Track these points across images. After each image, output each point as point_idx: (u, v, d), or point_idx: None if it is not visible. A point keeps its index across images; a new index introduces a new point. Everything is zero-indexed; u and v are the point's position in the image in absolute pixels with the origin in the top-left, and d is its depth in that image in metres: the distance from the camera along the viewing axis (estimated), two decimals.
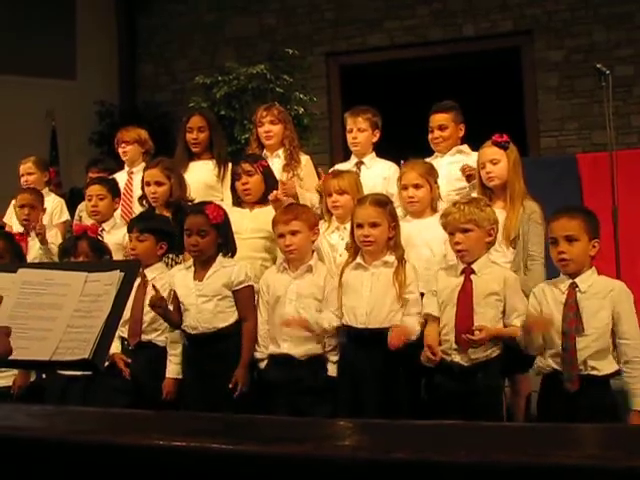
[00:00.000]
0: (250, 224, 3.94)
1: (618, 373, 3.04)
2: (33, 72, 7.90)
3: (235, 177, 4.12)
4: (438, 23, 8.12)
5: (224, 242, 3.67)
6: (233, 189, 4.18)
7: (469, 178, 4.00)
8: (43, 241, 4.49)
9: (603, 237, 3.21)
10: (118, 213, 4.66)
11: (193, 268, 3.67)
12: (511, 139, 3.83)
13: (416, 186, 3.78)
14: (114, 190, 4.57)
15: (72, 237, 4.15)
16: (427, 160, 4.11)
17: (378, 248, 3.43)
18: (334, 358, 3.49)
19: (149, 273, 3.77)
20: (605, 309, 3.01)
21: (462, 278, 3.27)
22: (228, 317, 3.59)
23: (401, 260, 3.43)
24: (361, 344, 3.38)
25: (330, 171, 4.28)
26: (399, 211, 3.80)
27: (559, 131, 7.69)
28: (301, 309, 3.48)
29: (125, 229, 4.31)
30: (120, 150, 5.09)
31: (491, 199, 3.73)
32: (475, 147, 4.10)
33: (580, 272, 3.08)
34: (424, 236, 3.68)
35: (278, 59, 7.21)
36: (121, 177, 4.97)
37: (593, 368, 2.98)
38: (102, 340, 1.85)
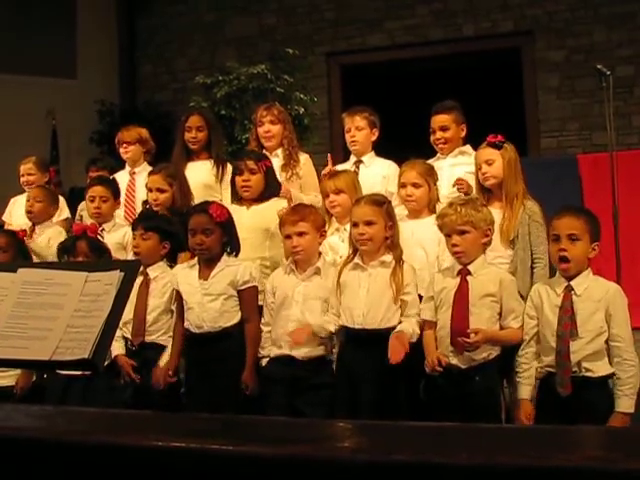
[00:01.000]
0: (247, 221, 3.93)
1: (613, 375, 3.04)
2: (34, 71, 7.90)
3: (236, 172, 4.12)
4: (438, 23, 8.12)
5: (229, 240, 3.68)
6: (233, 183, 4.18)
7: (464, 193, 3.95)
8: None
9: (603, 237, 3.20)
10: (118, 213, 4.66)
11: (197, 267, 3.68)
12: (511, 139, 3.83)
13: (415, 185, 3.78)
14: (116, 192, 4.58)
15: (71, 237, 4.15)
16: (429, 161, 4.11)
17: (374, 247, 3.42)
18: (333, 357, 3.49)
19: (151, 272, 3.78)
20: (600, 311, 3.01)
21: (458, 279, 3.26)
22: (232, 317, 3.59)
23: (399, 261, 3.42)
24: (358, 345, 3.38)
25: (324, 172, 4.27)
26: (399, 211, 3.80)
27: (560, 131, 7.69)
28: (307, 311, 3.47)
29: (125, 229, 4.33)
30: (122, 150, 5.08)
31: (489, 200, 3.73)
32: (475, 148, 4.10)
33: (576, 274, 3.08)
34: (418, 236, 3.68)
35: (278, 59, 7.21)
36: (122, 177, 4.96)
37: (587, 370, 2.98)
38: (102, 340, 1.85)
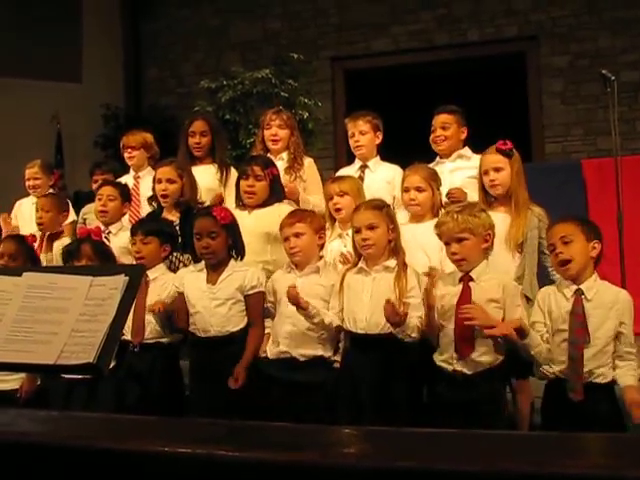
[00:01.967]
0: (249, 226, 3.93)
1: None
2: (38, 75, 7.91)
3: (242, 176, 4.12)
4: (443, 28, 8.12)
5: (234, 243, 3.69)
6: (237, 186, 4.18)
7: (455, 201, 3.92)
8: None
9: (608, 242, 3.21)
10: (126, 218, 4.66)
11: (205, 271, 3.68)
12: (515, 145, 3.82)
13: (418, 189, 3.79)
14: (125, 194, 4.58)
15: (75, 240, 4.15)
16: (429, 166, 4.12)
17: (378, 251, 3.42)
18: (337, 359, 3.49)
19: (151, 274, 3.79)
20: (611, 319, 3.01)
21: (461, 286, 3.25)
22: (239, 321, 3.61)
23: (403, 265, 3.42)
24: (361, 349, 3.38)
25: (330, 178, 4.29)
26: (403, 216, 3.80)
27: (564, 137, 7.68)
28: (308, 317, 3.47)
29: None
30: (126, 155, 5.08)
31: (492, 204, 3.72)
32: (479, 153, 4.09)
33: (581, 276, 3.07)
34: (420, 241, 3.67)
35: (283, 63, 7.21)
36: (127, 181, 4.96)
37: (597, 376, 2.98)
38: (107, 344, 1.85)
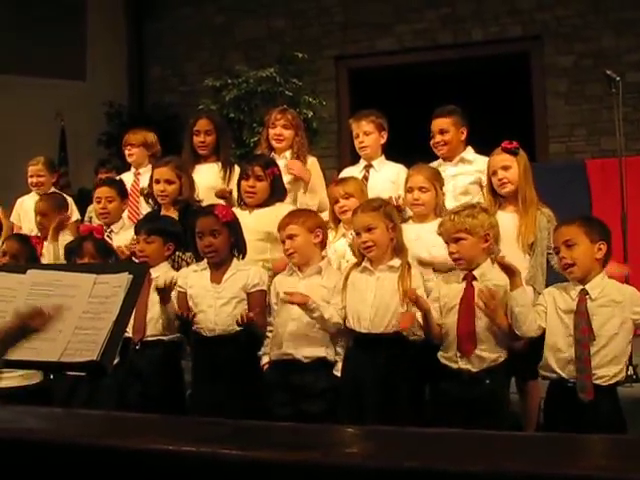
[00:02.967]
0: (250, 225, 3.93)
1: (625, 381, 3.03)
2: (42, 73, 7.91)
3: (243, 176, 4.12)
4: (447, 27, 8.11)
5: (236, 241, 3.69)
6: (239, 186, 4.18)
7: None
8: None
9: (612, 242, 3.19)
10: (126, 214, 4.66)
11: (208, 270, 3.69)
12: (519, 145, 3.83)
13: (422, 189, 3.79)
14: (122, 192, 4.58)
15: (78, 238, 4.16)
16: (432, 165, 4.12)
17: (380, 251, 3.43)
18: (340, 357, 3.49)
19: (154, 272, 3.78)
20: (616, 317, 3.00)
21: (464, 284, 3.26)
22: None
23: (406, 265, 3.43)
24: (365, 349, 3.38)
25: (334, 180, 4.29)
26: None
27: (568, 137, 7.66)
28: (308, 310, 3.48)
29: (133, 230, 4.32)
30: (126, 152, 5.10)
31: (501, 204, 3.73)
32: (484, 152, 4.09)
33: (588, 277, 3.07)
34: (424, 240, 3.67)
35: (287, 62, 7.21)
36: (127, 178, 4.98)
37: (600, 377, 2.97)
38: (110, 342, 1.86)
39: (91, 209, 4.88)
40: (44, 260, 4.36)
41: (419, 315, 3.29)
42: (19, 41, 7.84)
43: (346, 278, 3.50)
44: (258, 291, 3.64)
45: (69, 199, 5.37)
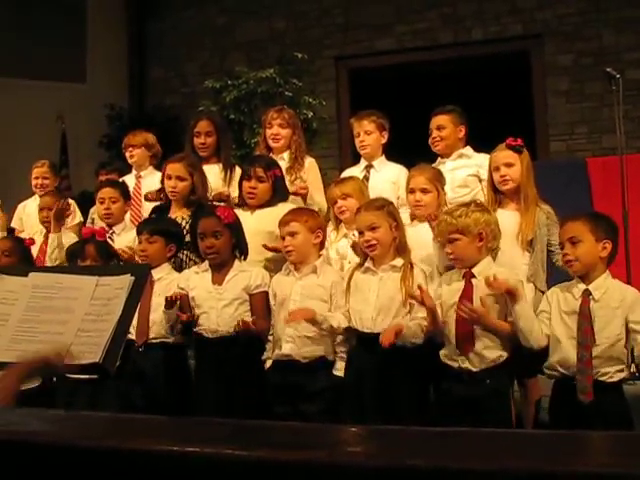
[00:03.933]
0: (252, 225, 3.94)
1: (629, 379, 3.03)
2: (43, 75, 7.92)
3: (245, 177, 4.12)
4: (447, 27, 8.10)
5: (237, 242, 3.69)
6: (240, 186, 4.18)
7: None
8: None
9: (618, 241, 3.19)
10: (128, 216, 4.67)
11: (210, 271, 3.68)
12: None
13: (423, 190, 3.79)
14: (125, 193, 4.59)
15: (80, 240, 4.17)
16: (433, 166, 4.13)
17: (383, 250, 3.43)
18: (343, 357, 3.48)
19: (156, 273, 3.79)
20: (618, 318, 3.00)
21: (463, 283, 3.26)
22: None
23: (409, 264, 3.42)
24: (367, 348, 3.37)
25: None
26: (405, 217, 3.80)
27: (569, 135, 7.66)
28: (316, 324, 3.47)
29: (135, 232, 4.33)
30: (127, 154, 5.11)
31: (502, 202, 3.73)
32: (484, 151, 4.09)
33: (591, 275, 3.07)
34: (426, 239, 3.67)
35: (287, 63, 7.22)
36: (129, 180, 4.98)
37: (604, 374, 2.97)
38: (113, 344, 1.85)
39: (93, 210, 4.88)
40: (49, 250, 4.40)
41: (421, 315, 3.29)
42: (19, 43, 7.85)
43: (349, 279, 3.49)
44: (260, 292, 3.64)
45: (71, 201, 5.38)
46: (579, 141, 7.62)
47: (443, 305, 3.29)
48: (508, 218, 3.56)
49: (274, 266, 3.91)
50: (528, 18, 7.85)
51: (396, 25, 8.22)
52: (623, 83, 4.77)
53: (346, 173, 4.56)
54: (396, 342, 3.19)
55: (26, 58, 7.86)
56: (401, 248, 3.46)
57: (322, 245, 3.68)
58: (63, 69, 8.30)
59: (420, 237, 3.66)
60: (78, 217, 5.25)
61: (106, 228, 4.36)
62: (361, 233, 3.45)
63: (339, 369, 3.47)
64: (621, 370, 2.99)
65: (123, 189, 4.60)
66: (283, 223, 3.61)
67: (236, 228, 3.72)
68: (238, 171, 4.51)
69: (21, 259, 4.13)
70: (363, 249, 3.47)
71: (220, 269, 3.67)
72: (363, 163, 4.52)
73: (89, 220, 4.98)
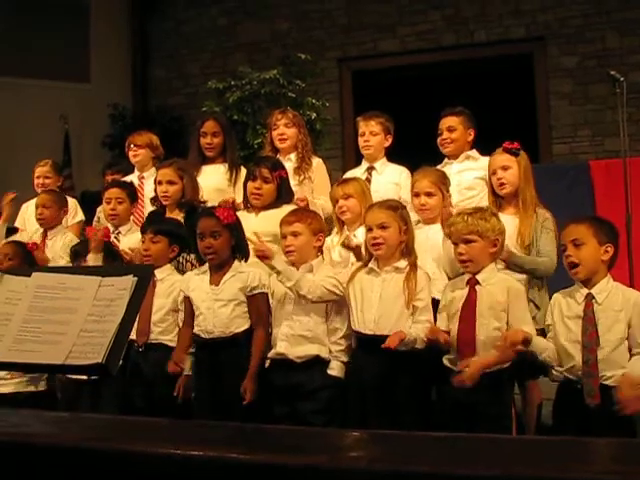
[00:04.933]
0: (256, 226, 3.92)
1: None
2: (47, 75, 7.93)
3: (250, 177, 4.12)
4: (450, 29, 8.10)
5: (237, 243, 3.68)
6: (245, 187, 4.17)
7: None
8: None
9: (619, 246, 3.18)
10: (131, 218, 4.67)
11: (208, 272, 3.68)
12: (523, 145, 3.83)
13: (428, 194, 3.79)
14: (132, 194, 4.59)
15: (83, 240, 4.17)
16: (437, 167, 4.12)
17: (389, 251, 3.41)
18: (344, 359, 3.47)
19: (158, 274, 3.80)
20: (621, 321, 2.99)
21: (467, 289, 3.24)
22: (243, 323, 3.59)
23: (413, 266, 3.41)
24: (369, 350, 3.35)
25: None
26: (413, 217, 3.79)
27: (572, 137, 7.65)
28: (300, 310, 3.47)
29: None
30: (131, 153, 5.10)
31: (501, 206, 3.72)
32: (487, 153, 4.09)
33: (593, 279, 3.06)
34: (432, 242, 3.67)
35: (290, 64, 7.22)
36: (132, 181, 4.98)
37: (608, 378, 2.96)
38: (115, 345, 1.85)
39: (100, 210, 4.88)
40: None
41: (425, 318, 3.29)
42: (23, 43, 7.86)
43: (351, 279, 3.48)
44: (258, 294, 3.61)
45: (73, 201, 5.38)
46: (582, 144, 7.61)
47: (448, 313, 3.28)
48: (506, 223, 3.54)
49: None
50: (531, 20, 7.84)
51: (399, 27, 8.22)
52: (627, 86, 4.76)
53: (348, 175, 4.55)
54: (399, 348, 3.18)
55: (30, 58, 7.87)
56: (407, 252, 3.44)
57: (321, 249, 3.67)
58: (66, 69, 8.31)
59: (424, 240, 3.65)
60: (80, 216, 5.25)
61: (111, 228, 4.37)
62: (369, 230, 3.43)
63: (334, 368, 3.45)
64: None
65: (131, 190, 4.61)
66: (286, 223, 3.58)
67: (236, 229, 3.69)
68: (243, 172, 4.52)
69: (23, 263, 4.14)
70: (368, 247, 3.46)
71: (218, 270, 3.66)
72: (365, 165, 4.52)
73: (95, 218, 4.98)
